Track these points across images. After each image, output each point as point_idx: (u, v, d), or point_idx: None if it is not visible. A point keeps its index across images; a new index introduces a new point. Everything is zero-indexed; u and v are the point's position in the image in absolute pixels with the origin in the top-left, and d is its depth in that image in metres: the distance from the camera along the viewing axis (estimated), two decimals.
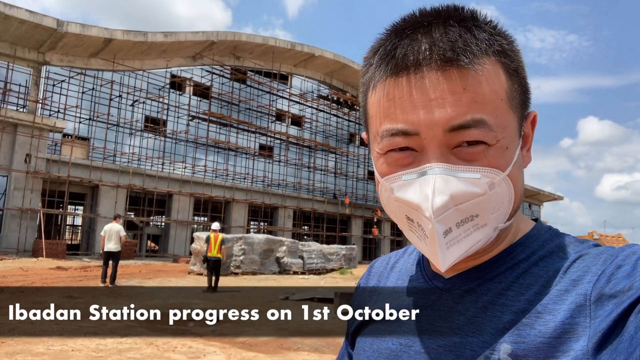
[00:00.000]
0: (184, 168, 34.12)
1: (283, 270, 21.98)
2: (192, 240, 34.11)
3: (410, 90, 0.59)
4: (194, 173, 34.61)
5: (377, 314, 0.73)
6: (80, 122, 30.39)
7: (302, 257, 23.16)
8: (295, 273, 22.16)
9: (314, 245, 24.35)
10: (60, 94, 29.55)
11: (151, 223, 32.43)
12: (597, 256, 0.58)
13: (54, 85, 29.36)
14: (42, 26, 26.46)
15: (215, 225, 15.88)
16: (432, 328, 0.65)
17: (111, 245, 13.89)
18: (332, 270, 24.44)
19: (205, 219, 36.99)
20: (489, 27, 0.61)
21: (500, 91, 0.60)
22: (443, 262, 0.60)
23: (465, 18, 0.61)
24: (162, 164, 33.05)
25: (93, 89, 30.78)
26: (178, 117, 35.00)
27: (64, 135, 29.54)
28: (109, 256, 13.95)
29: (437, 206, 0.57)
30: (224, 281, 17.90)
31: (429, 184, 0.57)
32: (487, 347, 0.58)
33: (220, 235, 15.51)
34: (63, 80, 29.45)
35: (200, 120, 36.02)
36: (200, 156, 35.77)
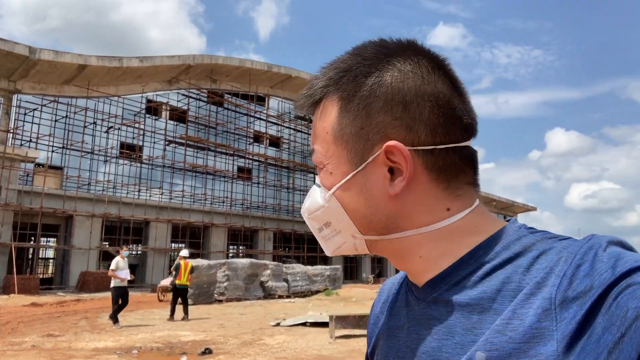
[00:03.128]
0: (161, 194, 33.49)
1: (268, 294, 21.53)
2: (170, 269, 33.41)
3: None
4: (171, 199, 34.00)
5: (383, 332, 0.77)
6: (53, 151, 29.65)
7: (286, 280, 22.74)
8: (280, 297, 21.73)
9: (298, 268, 23.98)
10: (33, 123, 28.84)
11: (128, 252, 31.52)
12: (559, 253, 0.59)
13: (25, 113, 28.66)
14: (13, 54, 25.88)
15: (185, 252, 15.42)
16: (418, 337, 0.68)
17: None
18: (317, 291, 24.06)
19: (183, 245, 36.27)
20: (337, 68, 0.68)
21: (328, 126, 0.68)
22: (325, 249, 0.73)
23: (326, 67, 0.71)
24: (139, 190, 32.37)
25: (66, 116, 30.14)
26: (154, 143, 34.46)
27: (37, 165, 28.74)
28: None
29: (304, 208, 0.73)
30: (209, 309, 17.37)
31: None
32: (459, 347, 0.61)
33: (190, 263, 15.12)
34: (35, 109, 28.78)
35: (177, 145, 35.54)
36: (177, 181, 35.21)
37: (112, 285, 13.14)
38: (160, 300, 19.71)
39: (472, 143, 0.69)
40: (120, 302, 12.94)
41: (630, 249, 0.58)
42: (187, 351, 9.57)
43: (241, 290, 20.29)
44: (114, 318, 12.65)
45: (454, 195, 0.67)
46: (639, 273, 0.51)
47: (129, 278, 13.25)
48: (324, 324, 12.62)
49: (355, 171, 0.66)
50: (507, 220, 0.70)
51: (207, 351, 9.28)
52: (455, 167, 0.66)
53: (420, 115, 0.64)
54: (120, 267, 13.08)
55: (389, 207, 0.66)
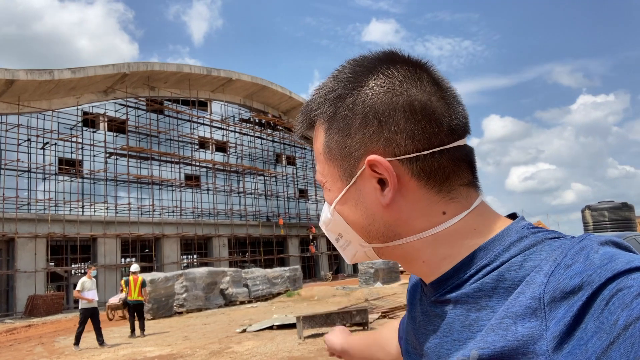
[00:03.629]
0: (107, 208, 32.28)
1: (229, 301, 21.23)
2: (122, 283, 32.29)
3: None
4: (117, 212, 32.84)
5: (407, 318, 0.82)
6: None
7: (247, 286, 22.50)
8: (242, 303, 21.48)
9: (258, 272, 23.77)
10: None
11: (75, 272, 30.27)
12: (551, 253, 0.59)
13: None
14: None
15: (134, 267, 15.11)
16: (425, 333, 0.71)
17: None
18: (279, 294, 23.95)
19: (134, 259, 35.17)
20: (323, 95, 0.72)
21: (320, 148, 0.73)
22: (345, 257, 0.78)
23: (317, 92, 0.74)
24: (82, 207, 31.07)
25: None
26: (94, 156, 33.17)
27: None
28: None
29: (320, 222, 0.80)
30: (170, 322, 16.93)
31: None
32: (457, 344, 0.63)
33: (140, 277, 14.82)
34: None
35: (118, 157, 34.37)
36: (122, 194, 34.05)
37: (79, 307, 12.78)
38: (110, 319, 19.16)
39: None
40: (90, 323, 12.58)
41: (625, 248, 0.58)
42: None
43: (201, 300, 19.90)
44: (76, 339, 12.31)
45: (448, 199, 0.67)
46: (629, 276, 0.50)
47: (96, 299, 12.82)
48: (290, 326, 12.59)
49: (348, 186, 0.70)
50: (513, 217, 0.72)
51: None
52: (445, 170, 0.67)
53: (396, 126, 0.66)
54: (86, 288, 12.67)
55: (384, 216, 0.68)
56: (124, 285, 17.51)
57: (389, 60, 0.70)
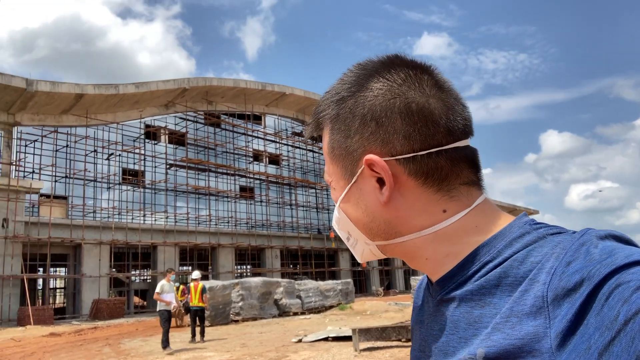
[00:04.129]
0: (166, 218, 33.51)
1: (283, 312, 21.53)
2: (183, 291, 33.28)
3: None
4: (176, 222, 34.00)
5: (413, 324, 0.83)
6: (56, 181, 29.70)
7: (299, 297, 22.75)
8: (295, 314, 21.72)
9: (310, 284, 24.00)
10: (34, 154, 28.91)
11: (137, 278, 31.51)
12: (552, 249, 0.60)
13: (26, 145, 28.76)
14: (11, 87, 26.04)
15: (196, 274, 15.46)
16: (432, 332, 0.72)
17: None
18: (331, 307, 24.06)
19: (191, 267, 36.21)
20: (330, 98, 0.75)
21: (326, 148, 0.77)
22: (356, 256, 0.80)
23: (332, 88, 0.77)
24: (144, 215, 32.39)
25: (67, 145, 30.24)
26: (155, 167, 34.58)
27: (41, 195, 28.73)
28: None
29: (333, 221, 0.82)
30: (227, 330, 17.38)
31: None
32: (463, 341, 0.64)
33: (201, 284, 15.10)
34: (36, 140, 28.88)
35: (178, 168, 35.66)
36: (181, 204, 35.26)
37: (158, 309, 13.26)
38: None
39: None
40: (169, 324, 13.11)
41: (627, 241, 0.59)
42: None
43: (256, 309, 20.30)
44: (164, 343, 12.63)
45: (449, 197, 0.69)
46: (629, 270, 0.51)
47: (174, 302, 13.34)
48: (345, 338, 12.67)
49: (349, 185, 0.74)
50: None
51: None
52: (443, 170, 0.69)
53: (393, 127, 0.68)
54: (165, 291, 13.16)
55: (384, 214, 0.71)
56: (175, 292, 18.17)
57: (391, 63, 0.72)
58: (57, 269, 34.20)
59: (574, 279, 0.54)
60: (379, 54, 0.76)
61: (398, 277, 47.68)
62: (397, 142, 0.68)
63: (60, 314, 28.13)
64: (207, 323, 17.63)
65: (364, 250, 0.77)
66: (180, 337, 15.72)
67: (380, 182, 0.70)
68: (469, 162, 0.71)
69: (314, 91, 44.13)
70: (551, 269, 0.57)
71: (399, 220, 0.70)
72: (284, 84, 41.95)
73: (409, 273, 48.18)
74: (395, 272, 47.60)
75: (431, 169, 0.68)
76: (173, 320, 18.58)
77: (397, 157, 0.68)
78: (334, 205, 0.79)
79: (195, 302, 14.82)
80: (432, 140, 0.68)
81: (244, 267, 40.36)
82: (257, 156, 41.98)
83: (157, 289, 13.22)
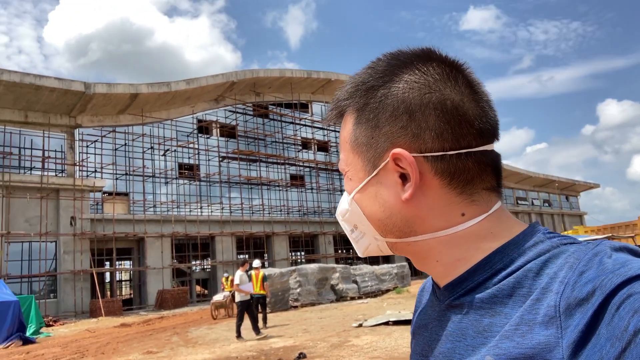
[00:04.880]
0: (222, 209, 34.48)
1: (340, 297, 21.82)
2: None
3: None
4: (231, 212, 34.92)
5: (415, 328, 0.82)
6: (117, 178, 31.07)
7: (356, 282, 22.98)
8: (352, 298, 21.98)
9: (366, 268, 24.18)
10: (95, 154, 30.31)
11: (197, 268, 32.68)
12: (566, 259, 0.59)
13: (87, 146, 30.18)
14: (71, 91, 27.35)
15: (256, 263, 15.80)
16: (436, 337, 0.71)
17: (236, 295, 13.31)
18: (387, 290, 24.18)
19: (247, 256, 37.14)
20: (355, 84, 0.74)
21: (346, 136, 0.75)
22: (357, 250, 0.78)
23: (354, 77, 0.75)
24: (201, 207, 33.45)
25: (125, 144, 31.52)
26: (209, 160, 35.53)
27: (104, 193, 30.17)
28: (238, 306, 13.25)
29: (337, 212, 0.80)
30: (288, 316, 17.84)
31: None
32: (470, 349, 0.63)
33: (261, 272, 15.39)
34: (96, 140, 30.26)
35: (230, 160, 36.50)
36: (235, 195, 36.15)
37: (237, 299, 13.09)
38: (214, 318, 18.32)
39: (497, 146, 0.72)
40: (246, 315, 12.88)
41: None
42: (281, 357, 9.84)
43: (314, 295, 20.69)
44: (256, 329, 12.68)
45: (470, 201, 0.68)
46: None
47: (252, 291, 13.32)
48: (406, 322, 12.73)
49: (369, 177, 0.71)
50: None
51: (302, 356, 9.47)
52: (469, 172, 0.67)
53: (426, 123, 0.67)
54: (243, 281, 13.10)
55: (403, 211, 0.69)
56: (225, 282, 18.64)
57: (426, 57, 0.70)
58: (123, 262, 35.92)
59: (586, 288, 0.53)
60: (412, 45, 0.74)
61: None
62: (428, 138, 0.67)
63: (127, 305, 29.59)
64: (267, 310, 18.15)
65: (370, 245, 0.76)
66: (243, 324, 16.25)
67: (403, 177, 0.68)
68: (493, 167, 0.70)
69: None
70: (564, 279, 0.57)
71: (416, 219, 0.69)
72: (328, 70, 41.94)
73: None
74: None
75: (458, 170, 0.67)
76: (224, 310, 18.73)
77: (426, 154, 0.67)
78: None
79: (257, 289, 15.24)
80: (463, 141, 0.67)
81: (298, 253, 41.01)
82: (305, 144, 42.33)
83: (236, 280, 13.08)
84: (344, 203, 0.77)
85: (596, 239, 0.63)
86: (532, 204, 61.97)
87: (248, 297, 13.07)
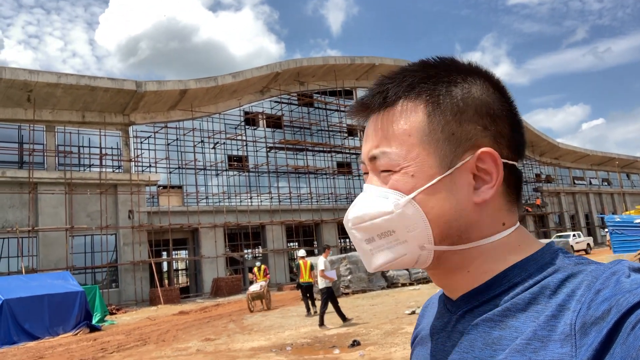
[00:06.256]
0: (271, 198, 35.08)
1: (391, 283, 21.87)
2: (290, 268, 34.95)
3: (365, 129, 0.76)
4: (280, 201, 35.47)
5: (419, 339, 0.81)
6: (170, 172, 32.12)
7: (407, 268, 22.92)
8: (403, 285, 21.97)
9: None
10: (149, 150, 31.41)
11: (249, 256, 33.48)
12: (583, 278, 0.59)
13: (141, 142, 31.29)
14: (124, 90, 28.41)
15: (302, 252, 16.06)
16: (443, 348, 0.70)
17: (319, 282, 12.99)
18: None
19: (297, 244, 37.66)
20: (423, 73, 0.71)
21: (411, 129, 0.69)
22: (367, 264, 0.71)
23: (399, 71, 0.73)
24: (250, 197, 34.16)
25: (177, 139, 32.49)
26: (257, 151, 36.14)
27: (159, 186, 31.29)
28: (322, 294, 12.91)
29: (351, 216, 0.71)
30: (340, 303, 18.02)
31: (356, 199, 0.73)
32: None
33: (309, 261, 15.63)
34: (149, 136, 31.33)
35: (277, 150, 36.98)
36: (283, 184, 36.65)
37: (322, 286, 12.82)
38: (251, 311, 17.37)
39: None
40: (329, 302, 12.77)
41: None
42: (336, 344, 9.99)
43: (365, 281, 20.84)
44: (342, 317, 12.61)
45: (510, 211, 0.69)
46: None
47: (335, 278, 13.22)
48: None
49: (443, 175, 0.67)
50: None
51: (356, 343, 9.58)
52: (518, 184, 0.71)
53: (504, 130, 0.69)
54: (327, 268, 12.98)
55: (471, 214, 0.67)
56: (257, 273, 18.81)
57: (481, 71, 0.73)
58: (179, 252, 37.21)
59: (603, 307, 0.53)
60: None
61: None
62: (504, 144, 0.69)
63: (185, 293, 30.72)
64: (317, 297, 18.46)
65: (405, 256, 0.69)
66: (296, 310, 16.62)
67: (476, 179, 0.68)
68: (521, 182, 0.73)
69: (405, 58, 43.27)
70: (581, 297, 0.57)
71: (476, 224, 0.67)
72: (372, 55, 41.56)
73: None
74: None
75: (512, 181, 0.70)
76: (261, 302, 17.89)
77: (503, 160, 0.68)
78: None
79: (305, 278, 15.51)
80: (518, 155, 0.71)
81: (348, 241, 41.21)
82: (351, 131, 42.27)
83: (321, 266, 12.78)
84: (380, 205, 0.69)
85: (615, 260, 0.62)
86: (590, 183, 59.57)
87: (331, 284, 12.85)
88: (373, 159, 0.71)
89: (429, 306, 0.85)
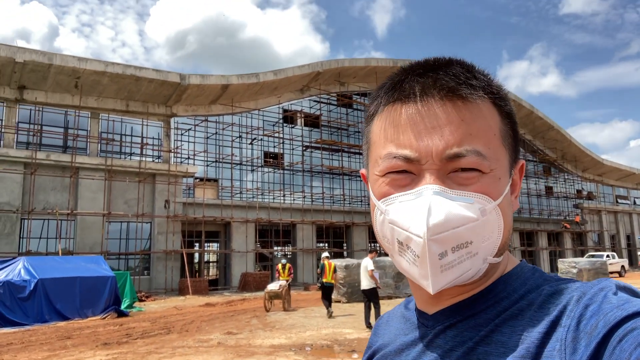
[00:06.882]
0: (304, 197, 35.19)
1: None
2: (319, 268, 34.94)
3: (415, 117, 0.64)
4: (312, 201, 35.55)
5: (380, 349, 0.75)
6: (207, 165, 32.65)
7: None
8: None
9: None
10: (188, 142, 32.01)
11: (279, 253, 33.68)
12: (570, 293, 0.60)
13: (182, 134, 31.93)
14: (167, 82, 29.03)
15: (326, 253, 16.43)
16: None
17: (363, 283, 12.88)
18: None
19: (326, 245, 37.66)
20: (485, 75, 0.69)
21: (495, 127, 0.65)
22: (434, 284, 0.60)
23: (467, 64, 0.69)
24: (284, 195, 34.36)
25: (216, 133, 33.00)
26: (293, 149, 36.32)
27: (196, 178, 31.85)
28: (365, 295, 12.87)
29: (432, 224, 0.59)
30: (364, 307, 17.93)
31: (425, 204, 0.60)
32: None
33: (333, 263, 15.88)
34: (190, 129, 31.92)
35: (313, 149, 37.07)
36: (317, 184, 36.70)
37: (367, 287, 12.71)
38: (267, 310, 16.77)
39: None
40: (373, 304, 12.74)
41: None
42: (355, 349, 9.98)
43: (391, 288, 20.65)
44: (368, 323, 12.69)
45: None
46: None
47: (379, 280, 13.18)
48: None
49: (509, 180, 0.67)
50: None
51: None
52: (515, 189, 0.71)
53: (518, 142, 0.71)
54: (375, 269, 12.94)
55: (512, 222, 0.67)
56: (281, 271, 18.82)
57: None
58: (211, 244, 37.79)
59: (592, 321, 0.54)
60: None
61: (542, 259, 44.89)
62: (518, 152, 0.70)
63: (213, 285, 31.15)
64: (342, 299, 18.59)
65: (469, 271, 0.63)
66: (319, 311, 16.61)
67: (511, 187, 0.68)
68: None
69: None
70: (570, 312, 0.57)
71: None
72: (417, 59, 41.02)
73: (554, 254, 45.08)
74: (539, 253, 44.84)
75: (512, 186, 0.70)
76: (280, 302, 17.44)
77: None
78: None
79: (329, 278, 15.68)
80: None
81: (378, 245, 40.93)
82: None
83: (371, 266, 12.63)
84: (463, 211, 0.61)
85: (600, 278, 0.62)
86: (634, 203, 57.26)
87: (375, 286, 12.72)
88: (456, 157, 0.62)
89: (385, 324, 0.81)
